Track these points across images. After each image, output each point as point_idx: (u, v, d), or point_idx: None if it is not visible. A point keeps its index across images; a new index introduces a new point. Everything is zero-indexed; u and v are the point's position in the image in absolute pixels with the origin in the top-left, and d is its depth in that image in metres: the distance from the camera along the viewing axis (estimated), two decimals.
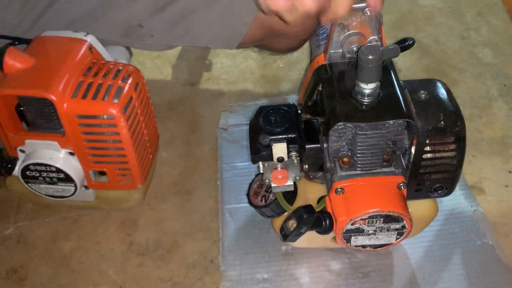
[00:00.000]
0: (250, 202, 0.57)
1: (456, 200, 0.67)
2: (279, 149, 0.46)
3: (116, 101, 0.57)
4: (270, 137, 0.46)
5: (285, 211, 0.55)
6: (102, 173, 0.65)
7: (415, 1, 1.15)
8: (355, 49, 0.49)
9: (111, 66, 0.62)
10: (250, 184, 0.58)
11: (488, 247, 0.62)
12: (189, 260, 0.66)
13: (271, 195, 0.55)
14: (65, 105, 0.57)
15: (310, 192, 0.58)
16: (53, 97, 0.56)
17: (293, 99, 0.88)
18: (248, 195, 0.58)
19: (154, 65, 1.02)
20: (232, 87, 0.94)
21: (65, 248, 0.70)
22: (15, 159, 0.63)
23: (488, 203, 0.69)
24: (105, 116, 0.58)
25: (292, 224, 0.46)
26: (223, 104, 0.90)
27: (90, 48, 0.64)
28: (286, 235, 0.47)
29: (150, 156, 0.68)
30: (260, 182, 0.57)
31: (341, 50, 0.50)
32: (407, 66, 0.99)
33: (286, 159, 0.47)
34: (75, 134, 0.59)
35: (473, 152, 0.78)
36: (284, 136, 0.46)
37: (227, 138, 0.82)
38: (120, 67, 0.62)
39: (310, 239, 0.59)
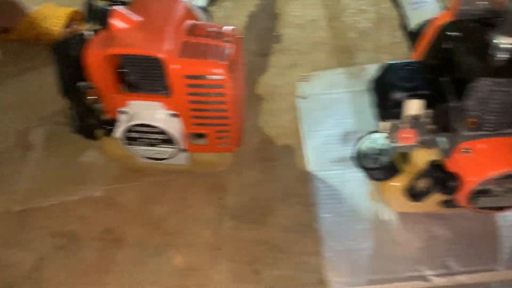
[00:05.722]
0: (358, 164, 0.56)
1: None
2: (412, 106, 0.45)
3: (223, 62, 0.57)
4: (404, 94, 0.45)
5: (396, 174, 0.55)
6: (199, 136, 0.65)
7: None
8: (487, 5, 0.47)
9: (212, 28, 0.62)
10: (356, 146, 0.58)
11: None
12: (284, 224, 0.66)
13: (382, 158, 0.55)
14: (174, 65, 0.56)
15: (417, 156, 0.57)
16: (164, 57, 0.56)
17: (372, 68, 0.87)
18: (355, 157, 0.57)
19: None
20: (304, 58, 0.93)
21: (157, 211, 0.71)
22: (115, 120, 0.64)
23: None
24: (212, 77, 0.58)
25: (424, 183, 0.46)
26: (297, 74, 0.89)
27: (188, 8, 0.63)
28: (415, 195, 0.47)
29: (243, 120, 0.68)
30: (370, 143, 0.56)
31: (470, 7, 0.49)
32: None
33: (416, 117, 0.46)
34: (181, 95, 0.59)
35: None
36: (418, 93, 0.45)
37: (307, 106, 0.81)
38: (221, 29, 0.61)
39: (416, 203, 0.59)
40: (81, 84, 0.61)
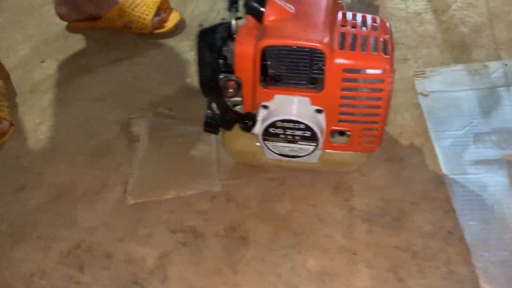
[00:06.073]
0: None
1: None
2: None
3: (386, 55, 0.53)
4: None
5: None
6: (340, 134, 0.62)
7: None
8: None
9: (362, 18, 0.58)
10: None
11: None
12: (424, 230, 0.62)
13: None
14: (335, 57, 0.53)
15: None
16: (325, 49, 0.52)
17: (494, 66, 0.82)
18: None
19: None
20: (415, 52, 0.88)
21: (280, 209, 0.67)
22: (252, 115, 0.61)
23: None
24: (372, 71, 0.54)
25: None
26: (410, 69, 0.85)
27: None
28: None
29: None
30: None
31: None
32: None
33: None
34: (333, 89, 0.55)
35: None
36: None
37: (430, 104, 0.76)
38: (375, 20, 0.58)
39: None
40: (222, 76, 0.58)
